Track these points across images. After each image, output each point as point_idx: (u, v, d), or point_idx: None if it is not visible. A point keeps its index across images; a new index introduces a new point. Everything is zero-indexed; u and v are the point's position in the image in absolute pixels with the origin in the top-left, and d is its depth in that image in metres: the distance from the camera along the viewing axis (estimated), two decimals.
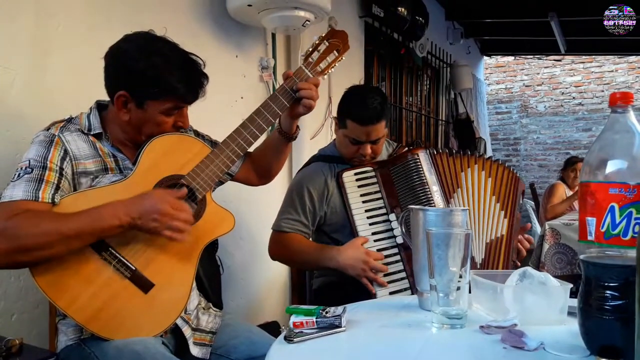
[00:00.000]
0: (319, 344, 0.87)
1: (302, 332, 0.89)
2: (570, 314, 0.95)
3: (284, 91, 1.42)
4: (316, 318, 0.91)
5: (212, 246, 1.46)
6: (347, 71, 3.29)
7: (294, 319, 0.92)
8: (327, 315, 0.92)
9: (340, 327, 0.92)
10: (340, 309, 0.96)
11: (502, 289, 0.97)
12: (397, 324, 0.98)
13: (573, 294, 0.94)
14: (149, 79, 1.26)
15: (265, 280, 2.65)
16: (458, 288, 0.93)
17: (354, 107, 1.67)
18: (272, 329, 2.44)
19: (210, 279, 1.48)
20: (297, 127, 1.54)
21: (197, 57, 1.35)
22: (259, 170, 1.63)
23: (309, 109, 1.44)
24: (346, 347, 0.89)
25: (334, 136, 3.00)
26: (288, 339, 0.87)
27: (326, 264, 1.63)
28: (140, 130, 1.33)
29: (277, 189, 2.35)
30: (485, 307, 1.04)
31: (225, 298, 1.53)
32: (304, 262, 1.77)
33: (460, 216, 1.04)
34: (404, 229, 1.24)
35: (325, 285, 1.83)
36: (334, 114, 3.06)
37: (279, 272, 2.72)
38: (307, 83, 1.42)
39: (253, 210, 2.45)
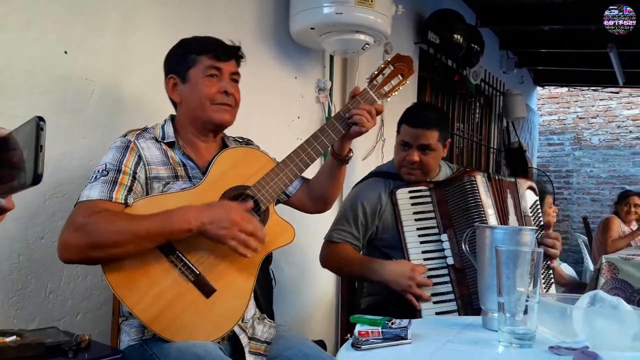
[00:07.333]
0: (386, 354, 0.88)
1: (368, 340, 0.90)
2: None
3: (339, 118, 1.44)
4: (382, 328, 0.92)
5: (267, 259, 1.48)
6: (400, 96, 3.26)
7: (359, 327, 0.93)
8: (393, 326, 0.93)
9: (406, 339, 0.92)
10: (405, 321, 0.96)
11: (572, 310, 0.95)
12: (462, 341, 0.98)
13: None
14: (184, 51, 1.42)
15: (313, 297, 2.65)
16: (526, 308, 0.91)
17: (409, 112, 1.79)
18: None
19: (263, 291, 1.51)
20: (350, 150, 1.51)
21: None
22: (313, 195, 1.62)
23: (358, 133, 1.44)
24: (413, 358, 0.89)
25: (385, 157, 3.05)
26: (355, 347, 0.88)
27: (371, 277, 1.66)
28: (194, 109, 1.40)
29: None
30: (551, 329, 1.01)
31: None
32: (351, 272, 1.81)
33: (528, 235, 1.03)
34: (467, 248, 1.23)
35: (373, 305, 1.82)
36: (386, 136, 3.11)
37: (327, 290, 2.72)
38: (359, 109, 1.42)
39: (304, 228, 2.45)
